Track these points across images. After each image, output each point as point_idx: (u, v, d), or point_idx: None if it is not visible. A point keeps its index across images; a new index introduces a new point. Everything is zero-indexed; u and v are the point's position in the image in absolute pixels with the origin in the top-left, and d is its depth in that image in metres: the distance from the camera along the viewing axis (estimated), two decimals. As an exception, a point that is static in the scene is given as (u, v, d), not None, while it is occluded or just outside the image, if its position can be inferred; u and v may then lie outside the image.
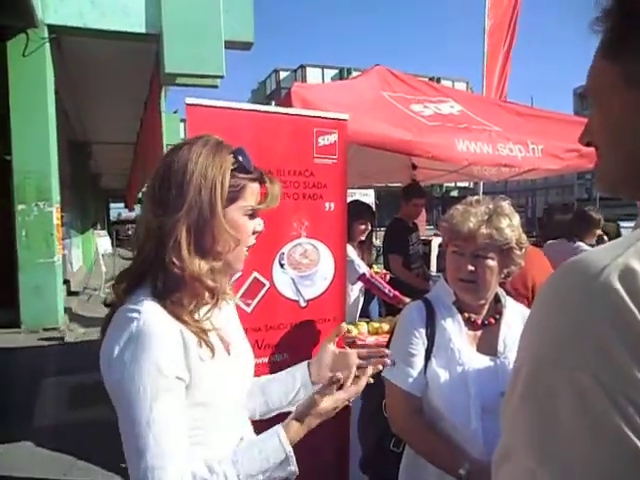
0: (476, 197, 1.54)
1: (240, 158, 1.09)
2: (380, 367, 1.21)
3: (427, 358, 1.48)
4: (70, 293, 10.15)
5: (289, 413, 1.15)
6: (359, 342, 3.04)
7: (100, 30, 6.61)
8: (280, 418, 1.15)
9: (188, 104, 2.37)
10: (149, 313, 0.99)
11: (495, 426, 1.38)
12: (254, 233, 1.15)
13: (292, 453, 1.04)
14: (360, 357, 1.26)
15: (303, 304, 2.59)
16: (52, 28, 6.57)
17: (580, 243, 4.35)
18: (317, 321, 2.63)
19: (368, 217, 3.95)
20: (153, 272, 1.04)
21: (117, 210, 44.85)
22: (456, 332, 1.50)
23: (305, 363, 1.32)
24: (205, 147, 1.08)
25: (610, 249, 0.52)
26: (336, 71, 37.98)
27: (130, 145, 13.16)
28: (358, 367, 1.23)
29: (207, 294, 1.06)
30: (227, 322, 1.21)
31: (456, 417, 1.42)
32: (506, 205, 1.50)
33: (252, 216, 1.13)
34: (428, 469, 1.44)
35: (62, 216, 8.10)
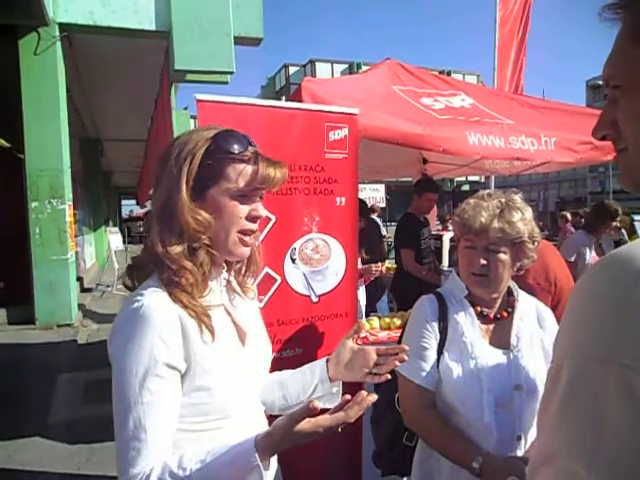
0: (488, 191, 1.53)
1: (220, 138, 1.06)
2: (397, 363, 1.19)
3: (440, 352, 1.48)
4: (83, 290, 10.27)
5: None
6: (371, 337, 3.04)
7: (110, 28, 6.64)
8: None
9: (198, 100, 2.37)
10: (149, 297, 1.00)
11: (508, 420, 1.40)
12: (252, 219, 1.10)
13: (260, 467, 0.95)
14: (378, 354, 1.23)
15: (315, 299, 2.59)
16: (63, 26, 6.61)
17: (578, 236, 4.38)
18: (329, 316, 2.63)
19: (362, 212, 3.96)
20: (155, 257, 1.05)
21: (129, 207, 45.26)
22: (468, 326, 1.49)
23: (324, 359, 1.30)
24: (193, 132, 1.09)
25: None
26: (345, 66, 37.80)
27: (141, 142, 13.21)
28: (375, 364, 1.22)
29: (188, 275, 1.04)
30: (246, 315, 1.21)
31: (469, 411, 1.41)
32: (518, 198, 1.49)
33: (243, 198, 1.08)
34: (441, 462, 1.44)
35: (75, 213, 8.17)
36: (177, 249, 1.03)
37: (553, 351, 0.55)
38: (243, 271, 1.22)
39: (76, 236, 9.10)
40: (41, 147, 6.70)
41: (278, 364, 2.38)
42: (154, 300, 1.00)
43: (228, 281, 1.20)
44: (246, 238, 1.10)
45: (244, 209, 1.08)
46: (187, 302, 1.02)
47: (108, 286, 11.33)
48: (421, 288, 3.50)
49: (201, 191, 1.06)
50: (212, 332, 1.04)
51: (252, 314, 1.26)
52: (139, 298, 1.00)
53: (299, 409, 0.97)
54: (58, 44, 6.68)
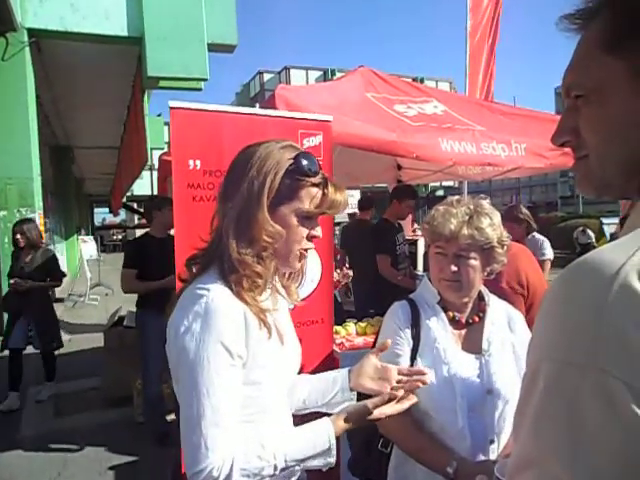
0: (457, 197, 1.55)
1: (300, 160, 1.13)
2: (420, 385, 1.25)
3: (413, 358, 1.48)
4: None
5: (318, 412, 1.25)
6: (347, 343, 3.04)
7: (81, 33, 6.53)
8: (310, 417, 1.22)
9: (172, 107, 2.36)
10: (216, 292, 1.06)
11: (481, 424, 1.41)
12: (311, 237, 1.18)
13: (335, 446, 1.11)
14: (400, 373, 1.29)
15: (291, 306, 2.58)
16: (32, 32, 6.48)
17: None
18: (305, 323, 2.63)
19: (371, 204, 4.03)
20: (219, 255, 1.13)
21: (102, 215, 44.50)
22: (441, 331, 1.50)
23: (347, 369, 1.37)
24: (271, 147, 1.16)
25: (621, 247, 0.50)
26: (320, 72, 37.94)
27: (114, 149, 13.05)
28: (397, 382, 1.28)
29: (257, 278, 1.11)
30: (283, 316, 1.29)
31: (443, 417, 1.42)
32: (486, 204, 1.51)
33: (308, 220, 1.16)
34: (416, 469, 1.44)
35: (45, 222, 8.00)
36: (249, 256, 1.10)
37: (527, 355, 0.55)
38: (287, 275, 1.29)
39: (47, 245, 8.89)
40: (9, 155, 6.54)
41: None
42: (220, 294, 1.06)
43: (273, 284, 1.27)
44: (304, 253, 1.19)
45: (304, 229, 1.16)
46: (250, 300, 1.09)
47: (80, 296, 11.11)
48: (396, 293, 3.54)
49: (274, 206, 1.13)
50: (270, 330, 1.12)
51: (287, 315, 1.35)
52: (204, 293, 1.06)
53: (377, 398, 1.17)
54: (27, 50, 6.54)
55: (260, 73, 40.80)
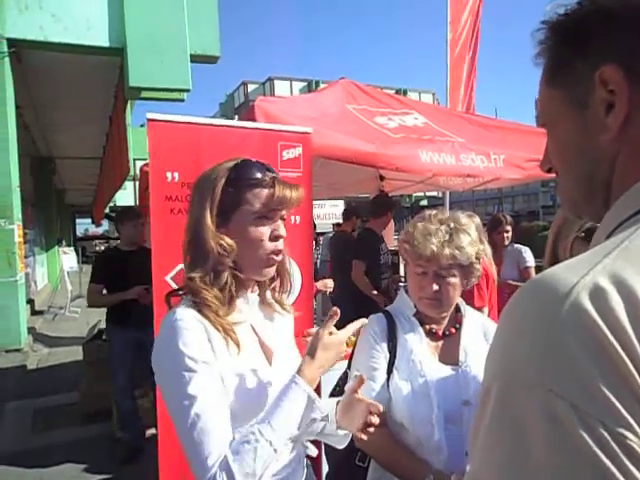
0: (433, 211, 1.54)
1: (239, 167, 1.16)
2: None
3: (389, 371, 1.48)
4: (34, 312, 9.88)
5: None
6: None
7: (62, 44, 6.49)
8: None
9: (149, 119, 2.34)
10: (180, 312, 1.11)
11: (458, 436, 1.41)
12: (275, 238, 1.18)
13: (313, 393, 1.10)
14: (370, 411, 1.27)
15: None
16: (11, 42, 6.42)
17: None
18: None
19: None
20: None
21: (84, 226, 44.00)
22: (417, 344, 1.50)
23: (335, 400, 1.34)
24: (218, 165, 1.20)
25: (576, 267, 0.49)
26: (304, 84, 38.13)
27: (96, 160, 12.94)
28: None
29: (215, 300, 1.12)
30: (277, 333, 1.29)
31: (420, 429, 1.41)
32: (463, 218, 1.51)
33: (263, 220, 1.16)
34: (394, 482, 1.43)
35: (25, 233, 7.88)
36: (199, 276, 1.13)
37: (484, 372, 0.54)
38: (278, 288, 1.31)
39: (26, 257, 8.78)
40: (-12, 166, 6.45)
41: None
42: (183, 313, 1.10)
43: (264, 299, 1.29)
44: (272, 256, 1.19)
45: (266, 231, 1.17)
46: (213, 319, 1.11)
47: (61, 308, 10.94)
48: (376, 305, 3.53)
49: (225, 218, 1.15)
50: (238, 345, 1.13)
51: (285, 332, 1.35)
52: (172, 314, 1.11)
53: (320, 326, 1.17)
54: (6, 59, 6.47)
55: (244, 84, 40.89)
